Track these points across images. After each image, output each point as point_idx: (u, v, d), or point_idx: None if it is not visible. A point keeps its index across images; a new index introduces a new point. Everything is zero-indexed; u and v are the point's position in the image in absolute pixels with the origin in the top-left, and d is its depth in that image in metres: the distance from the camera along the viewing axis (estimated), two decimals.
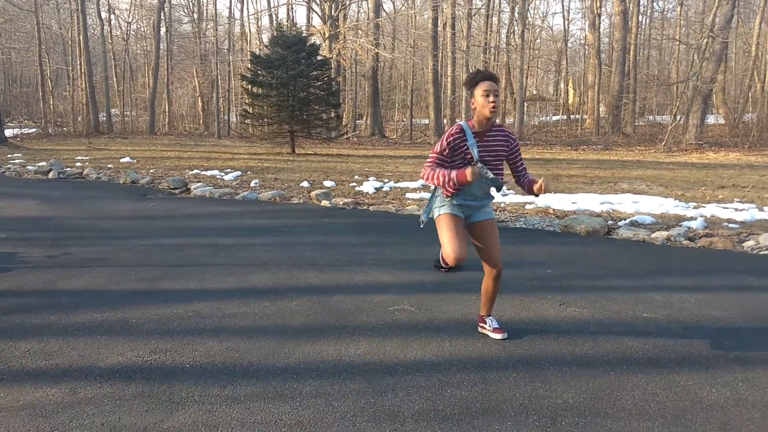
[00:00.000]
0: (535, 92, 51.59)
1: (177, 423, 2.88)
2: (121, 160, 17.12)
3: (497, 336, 3.88)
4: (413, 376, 3.38)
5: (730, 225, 8.01)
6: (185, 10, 45.81)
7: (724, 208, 9.37)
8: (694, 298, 4.79)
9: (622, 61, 32.20)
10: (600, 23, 36.35)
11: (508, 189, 3.95)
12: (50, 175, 13.66)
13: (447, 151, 3.63)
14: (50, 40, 41.02)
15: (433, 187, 3.84)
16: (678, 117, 28.94)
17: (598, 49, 34.49)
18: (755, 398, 3.10)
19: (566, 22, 53.56)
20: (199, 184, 11.87)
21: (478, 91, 3.55)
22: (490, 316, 4.00)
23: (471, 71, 3.67)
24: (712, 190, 11.81)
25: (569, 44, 50.83)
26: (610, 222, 8.06)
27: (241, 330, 4.10)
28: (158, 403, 3.08)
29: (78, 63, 36.96)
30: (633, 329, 4.09)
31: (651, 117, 38.59)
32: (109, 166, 15.83)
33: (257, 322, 4.27)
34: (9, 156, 18.06)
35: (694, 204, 9.82)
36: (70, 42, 39.57)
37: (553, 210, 9.19)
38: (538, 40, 50.45)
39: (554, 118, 46.25)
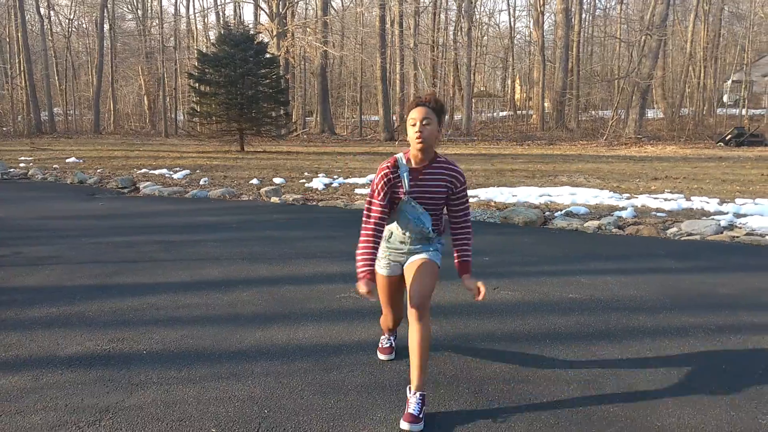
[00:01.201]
0: (482, 89, 52.50)
1: (137, 402, 3.10)
2: (67, 160, 16.93)
3: (405, 425, 2.78)
4: (357, 355, 3.67)
5: (658, 214, 8.54)
6: (129, 7, 45.08)
7: (655, 198, 9.94)
8: (616, 280, 5.21)
9: (565, 58, 33.14)
10: (544, 21, 37.29)
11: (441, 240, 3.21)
12: None
13: (382, 190, 3.10)
14: None
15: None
16: (618, 112, 29.97)
17: (542, 46, 35.39)
18: (659, 363, 3.50)
19: (512, 20, 54.51)
20: (148, 183, 11.91)
21: (408, 120, 3.05)
22: (416, 392, 2.92)
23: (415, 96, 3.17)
24: (646, 182, 12.44)
25: (516, 41, 51.96)
26: (547, 213, 8.50)
27: (195, 319, 4.33)
28: (118, 385, 3.30)
29: (16, 61, 36.06)
30: (558, 308, 4.47)
31: (594, 112, 39.80)
32: (54, 166, 15.66)
33: (210, 311, 4.50)
34: None
35: (627, 195, 10.37)
36: (7, 39, 38.53)
37: (495, 203, 9.60)
38: (485, 37, 51.36)
39: (501, 114, 47.20)
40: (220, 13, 41.15)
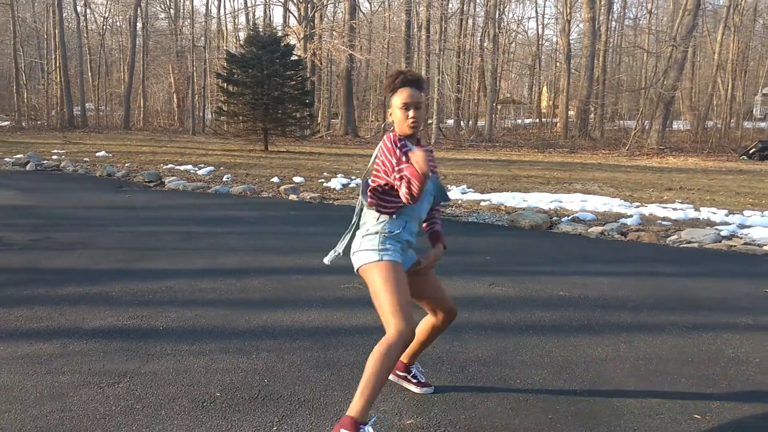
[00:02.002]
0: (508, 95, 52.65)
1: (152, 369, 3.47)
2: (97, 154, 17.52)
3: (419, 390, 3.20)
4: (354, 336, 4.00)
5: (664, 222, 8.76)
6: (162, 6, 45.99)
7: (664, 207, 10.14)
8: (608, 280, 5.49)
9: (591, 67, 33.18)
10: (570, 29, 37.39)
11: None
12: (28, 167, 14.07)
13: (403, 155, 2.71)
14: (24, 33, 40.93)
15: (355, 218, 2.99)
16: (642, 122, 29.96)
17: (568, 54, 35.48)
18: (630, 354, 3.78)
19: (540, 27, 54.70)
20: (173, 177, 12.37)
21: (397, 100, 2.78)
22: (415, 364, 3.28)
23: (394, 72, 2.88)
24: (659, 192, 12.62)
25: (544, 49, 52.04)
26: (554, 218, 8.76)
27: (209, 302, 4.70)
28: (136, 354, 3.67)
29: (53, 57, 37.05)
30: (547, 304, 4.77)
31: (621, 122, 39.76)
32: (85, 159, 16.24)
33: (223, 296, 4.87)
34: None
35: (638, 204, 10.58)
36: (45, 35, 39.58)
37: (505, 207, 9.88)
38: (513, 44, 51.51)
39: (526, 121, 47.33)
40: (250, 15, 41.87)
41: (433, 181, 2.92)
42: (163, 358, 3.63)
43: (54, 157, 16.57)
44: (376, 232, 2.84)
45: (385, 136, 2.82)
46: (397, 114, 2.79)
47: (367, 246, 2.84)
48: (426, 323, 3.14)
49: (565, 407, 3.09)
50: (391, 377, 3.22)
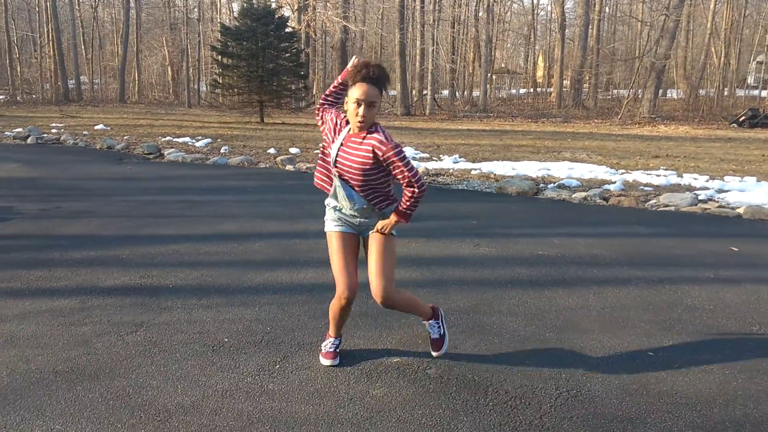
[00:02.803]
0: (503, 65, 52.60)
1: (165, 320, 3.85)
2: (95, 127, 17.77)
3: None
4: None
5: (646, 188, 9.12)
6: None
7: (648, 174, 10.50)
8: (585, 241, 5.87)
9: (584, 36, 33.26)
10: None
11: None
12: (29, 140, 14.34)
13: (329, 121, 3.14)
14: (14, 5, 40.70)
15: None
16: (635, 92, 30.18)
17: (562, 23, 35.53)
18: (597, 303, 4.18)
19: None
20: (172, 150, 12.67)
21: (352, 93, 2.91)
22: (427, 320, 3.39)
23: (360, 63, 2.96)
24: (646, 159, 12.96)
25: (540, 18, 51.93)
26: (541, 185, 9.12)
27: (213, 263, 5.07)
28: (149, 308, 4.04)
29: (45, 30, 36.95)
30: (526, 262, 5.15)
31: (615, 91, 39.90)
32: (84, 132, 16.49)
33: (226, 258, 5.24)
34: None
35: (623, 171, 10.94)
36: (37, 8, 39.41)
37: (495, 175, 10.23)
38: (508, 14, 51.36)
39: (521, 91, 47.43)
40: None
41: (342, 186, 3.05)
42: (175, 310, 4.00)
43: (53, 130, 16.81)
44: (327, 204, 3.23)
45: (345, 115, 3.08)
46: (350, 107, 2.93)
47: (325, 216, 3.27)
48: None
49: (534, 347, 3.49)
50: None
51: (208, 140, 14.70)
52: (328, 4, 28.66)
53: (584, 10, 32.70)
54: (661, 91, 38.09)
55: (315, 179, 3.22)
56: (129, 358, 3.31)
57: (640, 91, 30.75)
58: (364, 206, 3.07)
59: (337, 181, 3.06)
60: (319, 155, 3.19)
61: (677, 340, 3.60)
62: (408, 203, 3.01)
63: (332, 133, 3.08)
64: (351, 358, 3.33)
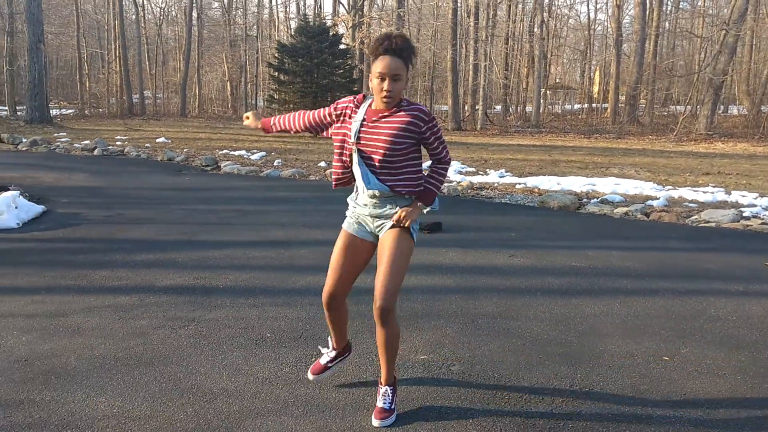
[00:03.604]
0: (558, 81, 52.30)
1: (214, 316, 4.20)
2: (157, 140, 18.58)
3: (375, 422, 2.84)
4: None
5: (690, 204, 9.13)
6: None
7: (695, 191, 10.47)
8: (619, 254, 6.01)
9: (641, 52, 32.91)
10: (620, 14, 37.03)
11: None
12: (95, 152, 15.15)
13: (331, 110, 2.98)
14: (86, 24, 42.70)
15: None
16: (690, 108, 29.69)
17: (617, 39, 35.22)
18: (622, 312, 4.34)
19: (590, 11, 54.00)
20: (228, 162, 13.23)
21: (374, 68, 2.71)
22: (385, 385, 2.96)
23: (381, 35, 2.76)
24: (696, 176, 12.86)
25: (596, 33, 51.47)
26: (584, 200, 9.23)
27: (261, 267, 5.42)
28: (201, 305, 4.41)
29: (113, 47, 38.68)
30: (558, 272, 5.34)
31: (673, 107, 39.23)
32: (146, 145, 17.29)
33: (273, 262, 5.59)
34: (56, 135, 19.63)
35: (670, 187, 10.93)
36: (106, 27, 41.29)
37: (539, 190, 10.38)
38: (564, 29, 51.14)
39: (576, 106, 47.07)
40: (301, 4, 42.74)
41: (359, 165, 2.83)
42: (223, 308, 4.36)
43: (118, 143, 17.67)
44: (348, 200, 3.04)
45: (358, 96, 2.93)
46: (374, 83, 2.72)
47: (347, 211, 3.08)
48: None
49: (555, 350, 3.69)
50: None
51: (263, 153, 15.25)
52: (382, 22, 29.20)
53: (641, 25, 32.38)
54: (722, 107, 37.30)
55: (333, 179, 2.99)
56: (181, 349, 3.66)
57: (698, 107, 30.23)
58: (378, 192, 2.81)
59: (356, 158, 2.81)
60: (335, 152, 2.96)
61: (694, 347, 3.75)
62: (439, 179, 2.89)
63: (344, 117, 2.90)
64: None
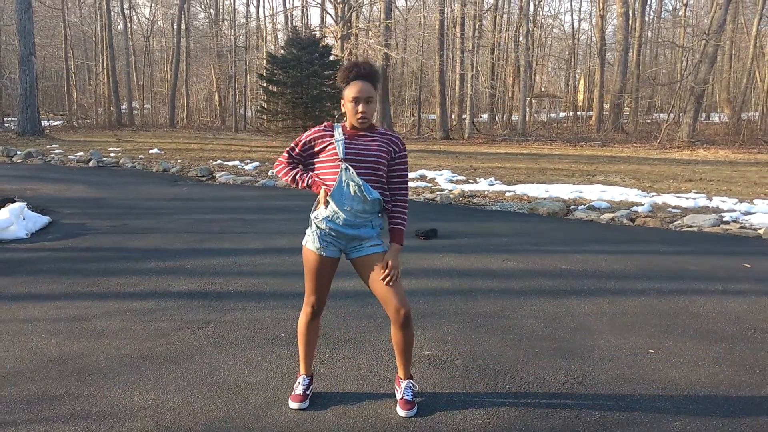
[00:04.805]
0: (543, 89, 52.96)
1: (229, 318, 4.47)
2: (150, 151, 18.79)
3: (402, 412, 3.09)
4: None
5: (674, 210, 9.50)
6: (202, 6, 47.49)
7: (678, 197, 10.85)
8: (607, 257, 6.34)
9: (624, 61, 33.54)
10: (605, 24, 37.69)
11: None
12: (90, 163, 15.35)
13: (300, 147, 3.09)
14: (72, 35, 42.77)
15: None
16: (672, 115, 30.29)
17: (601, 49, 35.85)
18: (610, 310, 4.67)
19: (574, 21, 54.81)
20: (223, 172, 13.48)
21: (348, 93, 2.94)
22: (406, 379, 3.20)
23: (349, 63, 3.03)
24: (679, 183, 13.27)
25: (581, 42, 52.24)
26: (571, 207, 9.57)
27: (268, 273, 5.70)
28: (215, 309, 4.68)
29: (101, 58, 38.79)
30: (550, 274, 5.66)
31: (657, 115, 39.90)
32: (140, 156, 17.50)
33: (279, 269, 5.87)
34: (49, 147, 19.78)
35: (654, 194, 11.31)
36: (93, 38, 41.39)
37: (528, 197, 10.72)
38: (548, 38, 51.86)
39: (561, 114, 47.72)
40: (289, 16, 43.08)
41: (350, 179, 2.92)
42: (237, 311, 4.63)
43: (112, 154, 17.86)
44: (314, 218, 3.13)
45: (325, 123, 3.09)
46: (348, 106, 2.96)
47: (307, 230, 3.21)
48: (391, 328, 3.15)
49: (549, 345, 4.00)
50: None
51: (257, 164, 15.51)
52: (370, 33, 29.60)
53: (624, 35, 33.01)
54: (704, 114, 37.99)
55: (278, 172, 3.16)
56: (202, 348, 3.93)
57: (680, 115, 30.84)
58: (368, 207, 2.96)
59: (349, 175, 2.91)
60: (285, 154, 3.14)
61: (677, 341, 4.07)
62: (405, 219, 3.09)
63: (318, 141, 3.03)
64: (389, 348, 3.89)
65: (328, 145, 2.98)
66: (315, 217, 3.09)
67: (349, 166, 2.91)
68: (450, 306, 4.74)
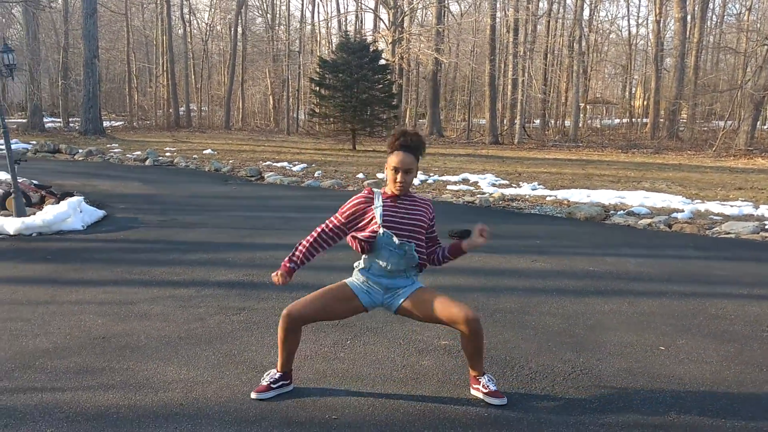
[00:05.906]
0: (599, 95, 52.25)
1: (263, 306, 4.77)
2: (204, 152, 19.45)
3: (497, 401, 3.23)
4: None
5: (715, 217, 9.42)
6: (259, 11, 48.57)
7: (722, 204, 10.73)
8: (636, 260, 6.41)
9: (681, 67, 32.88)
10: (661, 30, 37.03)
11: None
12: (147, 162, 16.03)
13: (348, 211, 3.38)
14: (134, 39, 44.31)
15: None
16: (730, 123, 29.57)
17: (657, 55, 35.25)
18: (629, 310, 4.78)
19: (634, 27, 53.86)
20: (272, 173, 13.91)
21: (390, 161, 3.18)
22: (483, 374, 3.33)
23: (397, 131, 3.27)
24: (727, 191, 13.06)
25: (638, 48, 51.32)
26: (611, 212, 9.60)
27: (304, 267, 5.97)
28: (251, 297, 4.98)
29: (161, 61, 40.12)
30: (576, 275, 5.78)
31: (716, 123, 38.97)
32: (194, 156, 18.15)
33: (314, 263, 6.12)
34: (108, 146, 20.70)
35: (698, 201, 11.20)
36: (154, 42, 42.83)
37: (568, 202, 10.77)
38: (605, 44, 51.13)
39: (616, 121, 46.99)
40: (343, 21, 43.72)
41: (387, 243, 3.22)
42: (270, 300, 4.92)
43: (167, 154, 18.57)
44: (355, 266, 3.53)
45: (365, 189, 3.38)
46: (388, 173, 3.21)
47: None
48: (461, 338, 3.29)
49: (563, 339, 4.16)
50: (472, 391, 3.39)
51: (304, 165, 15.92)
52: (422, 38, 29.83)
53: (680, 40, 32.39)
54: (764, 122, 36.90)
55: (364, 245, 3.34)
56: (234, 331, 4.23)
57: (739, 122, 30.06)
58: (413, 256, 3.25)
59: (391, 239, 3.19)
60: (327, 225, 3.52)
61: (689, 340, 4.17)
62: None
63: (357, 214, 3.34)
64: (408, 338, 4.12)
65: (370, 213, 3.26)
66: (355, 266, 3.47)
67: (387, 232, 3.18)
68: (472, 301, 4.93)
